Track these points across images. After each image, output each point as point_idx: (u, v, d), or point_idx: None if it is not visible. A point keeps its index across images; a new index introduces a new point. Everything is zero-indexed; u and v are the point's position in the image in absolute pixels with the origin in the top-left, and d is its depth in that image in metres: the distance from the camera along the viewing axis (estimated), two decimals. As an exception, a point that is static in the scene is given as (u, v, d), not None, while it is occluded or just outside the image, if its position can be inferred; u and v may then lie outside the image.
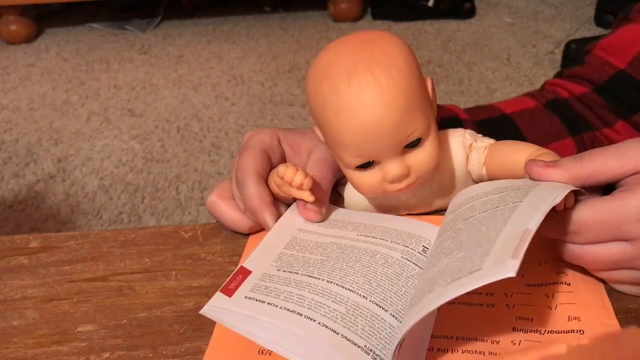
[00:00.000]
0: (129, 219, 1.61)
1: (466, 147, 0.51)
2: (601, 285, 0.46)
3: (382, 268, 0.45)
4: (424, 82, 0.48)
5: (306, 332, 0.40)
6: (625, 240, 0.42)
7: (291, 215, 0.51)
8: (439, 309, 0.42)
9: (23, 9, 2.50)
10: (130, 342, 0.45)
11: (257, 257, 0.47)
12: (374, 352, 0.40)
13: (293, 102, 2.05)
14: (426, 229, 0.49)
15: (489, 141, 0.52)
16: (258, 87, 2.16)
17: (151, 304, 0.48)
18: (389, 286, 0.44)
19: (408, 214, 0.53)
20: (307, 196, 0.48)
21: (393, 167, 0.46)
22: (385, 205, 0.53)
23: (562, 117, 0.66)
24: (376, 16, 2.56)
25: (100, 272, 0.51)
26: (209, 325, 0.45)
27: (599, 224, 0.42)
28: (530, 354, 0.38)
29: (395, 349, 0.38)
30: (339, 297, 0.43)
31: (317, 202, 0.50)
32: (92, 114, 2.06)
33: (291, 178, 0.48)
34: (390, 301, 0.43)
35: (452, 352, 0.41)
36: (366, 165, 0.47)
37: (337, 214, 0.53)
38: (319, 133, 0.50)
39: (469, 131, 0.52)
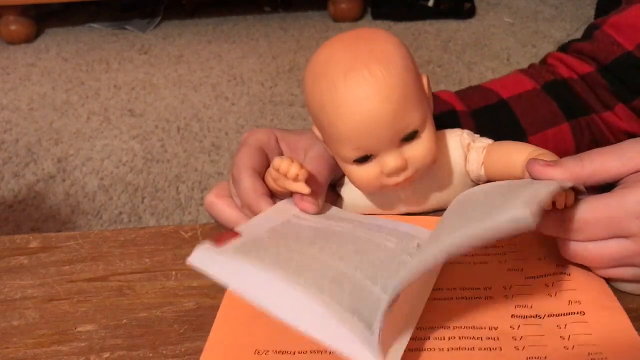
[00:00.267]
0: (129, 219, 1.61)
1: (464, 146, 0.52)
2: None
3: (375, 251, 0.45)
4: (420, 78, 0.48)
5: (292, 286, 0.39)
6: (626, 237, 0.42)
7: (287, 205, 0.51)
8: (434, 299, 0.42)
9: (23, 9, 2.50)
10: (130, 342, 0.45)
11: (248, 227, 0.47)
12: (360, 313, 0.39)
13: (293, 102, 2.05)
14: (421, 232, 0.49)
15: (487, 141, 0.52)
16: (258, 87, 2.16)
17: (151, 304, 0.48)
18: (380, 266, 0.43)
19: (406, 214, 0.53)
20: (303, 188, 0.48)
21: (390, 160, 0.47)
22: (383, 204, 0.53)
23: (559, 101, 0.65)
24: (376, 16, 2.56)
25: (100, 272, 0.51)
26: (209, 325, 0.45)
27: (599, 220, 0.42)
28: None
29: (390, 301, 0.37)
30: (328, 264, 0.42)
31: (314, 194, 0.50)
32: (92, 114, 2.06)
33: (286, 169, 0.48)
34: (381, 277, 0.42)
35: (449, 339, 0.41)
36: (364, 160, 0.47)
37: (334, 211, 0.53)
38: (317, 132, 0.50)
39: (466, 131, 0.53)
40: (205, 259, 0.42)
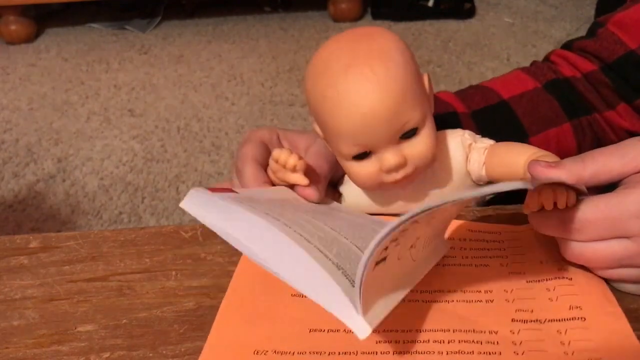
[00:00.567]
0: (129, 219, 1.61)
1: (465, 147, 0.52)
2: (603, 280, 0.46)
3: (370, 233, 0.44)
4: (420, 77, 0.49)
5: (281, 234, 0.39)
6: (627, 237, 0.42)
7: (288, 190, 0.52)
8: (434, 301, 0.42)
9: (23, 9, 2.50)
10: (130, 342, 0.45)
11: (245, 191, 0.48)
12: (344, 270, 0.38)
13: (293, 102, 2.05)
14: None
15: (488, 142, 0.52)
16: (258, 87, 2.16)
17: (151, 304, 0.48)
18: (371, 240, 0.43)
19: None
20: (301, 179, 0.49)
21: (389, 156, 0.47)
22: (384, 203, 0.53)
23: (560, 100, 0.65)
24: (376, 16, 2.56)
25: (100, 272, 0.51)
26: (209, 325, 0.45)
27: (600, 220, 0.42)
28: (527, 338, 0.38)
29: (370, 255, 0.35)
30: (319, 227, 0.43)
31: (314, 183, 0.50)
32: (92, 114, 2.06)
33: (285, 160, 0.49)
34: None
35: (449, 343, 0.41)
36: (363, 156, 0.48)
37: (334, 204, 0.53)
38: (317, 128, 0.50)
39: (468, 131, 0.53)
40: (197, 200, 0.42)
